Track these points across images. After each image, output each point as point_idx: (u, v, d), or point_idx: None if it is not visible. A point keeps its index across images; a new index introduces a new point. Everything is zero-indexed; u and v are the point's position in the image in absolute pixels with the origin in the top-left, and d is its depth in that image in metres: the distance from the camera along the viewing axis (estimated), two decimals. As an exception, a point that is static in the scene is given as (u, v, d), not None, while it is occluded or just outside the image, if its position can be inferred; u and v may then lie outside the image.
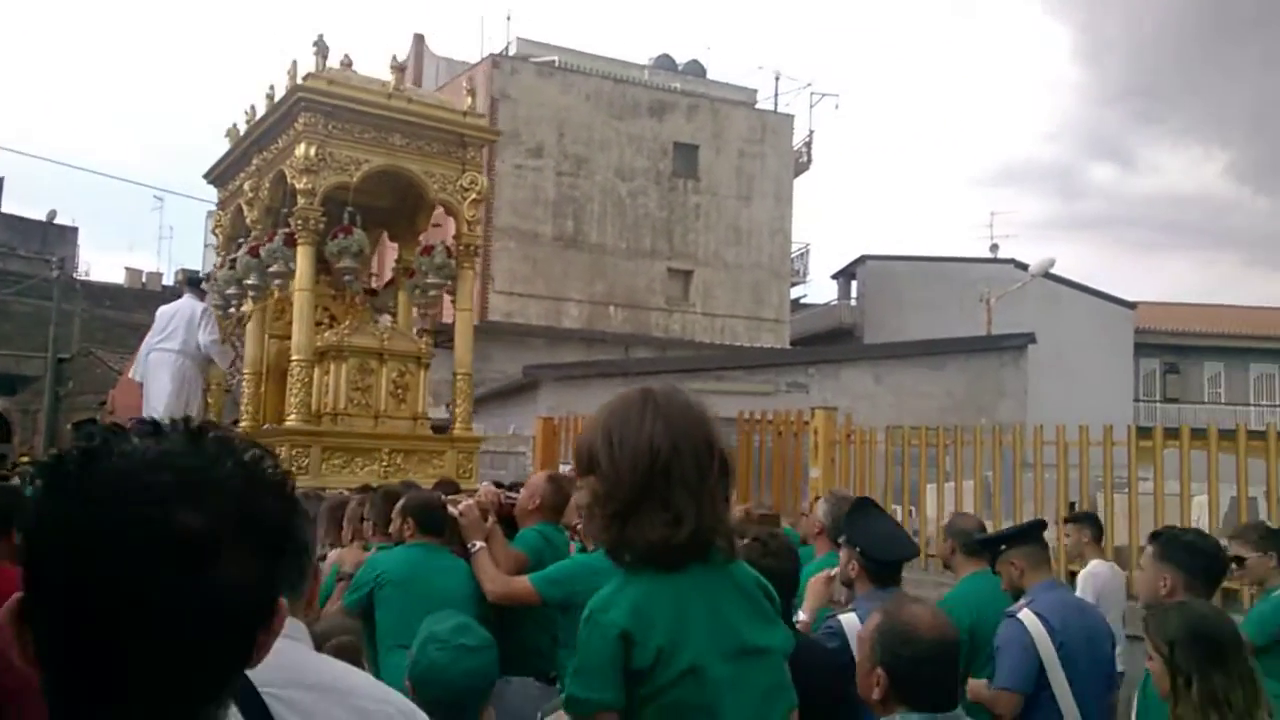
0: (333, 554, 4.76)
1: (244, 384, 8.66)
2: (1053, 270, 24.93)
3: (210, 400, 9.25)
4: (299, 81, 7.43)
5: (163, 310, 9.10)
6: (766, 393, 14.47)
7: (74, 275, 29.71)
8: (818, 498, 8.94)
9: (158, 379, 8.66)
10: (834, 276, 31.87)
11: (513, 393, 16.38)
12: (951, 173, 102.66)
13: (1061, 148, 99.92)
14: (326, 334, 7.93)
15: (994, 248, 31.72)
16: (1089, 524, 6.26)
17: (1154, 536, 3.70)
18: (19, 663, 0.86)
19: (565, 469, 11.41)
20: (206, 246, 27.24)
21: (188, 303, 8.94)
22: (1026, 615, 3.69)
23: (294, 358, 7.44)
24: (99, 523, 0.83)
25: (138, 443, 0.89)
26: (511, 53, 25.83)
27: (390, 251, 10.15)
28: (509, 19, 33.08)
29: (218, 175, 9.43)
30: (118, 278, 33.32)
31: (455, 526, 4.10)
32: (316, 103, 7.34)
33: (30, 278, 27.11)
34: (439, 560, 3.99)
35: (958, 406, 15.73)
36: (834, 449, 9.69)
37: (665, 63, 28.67)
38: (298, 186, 7.31)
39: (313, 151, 7.24)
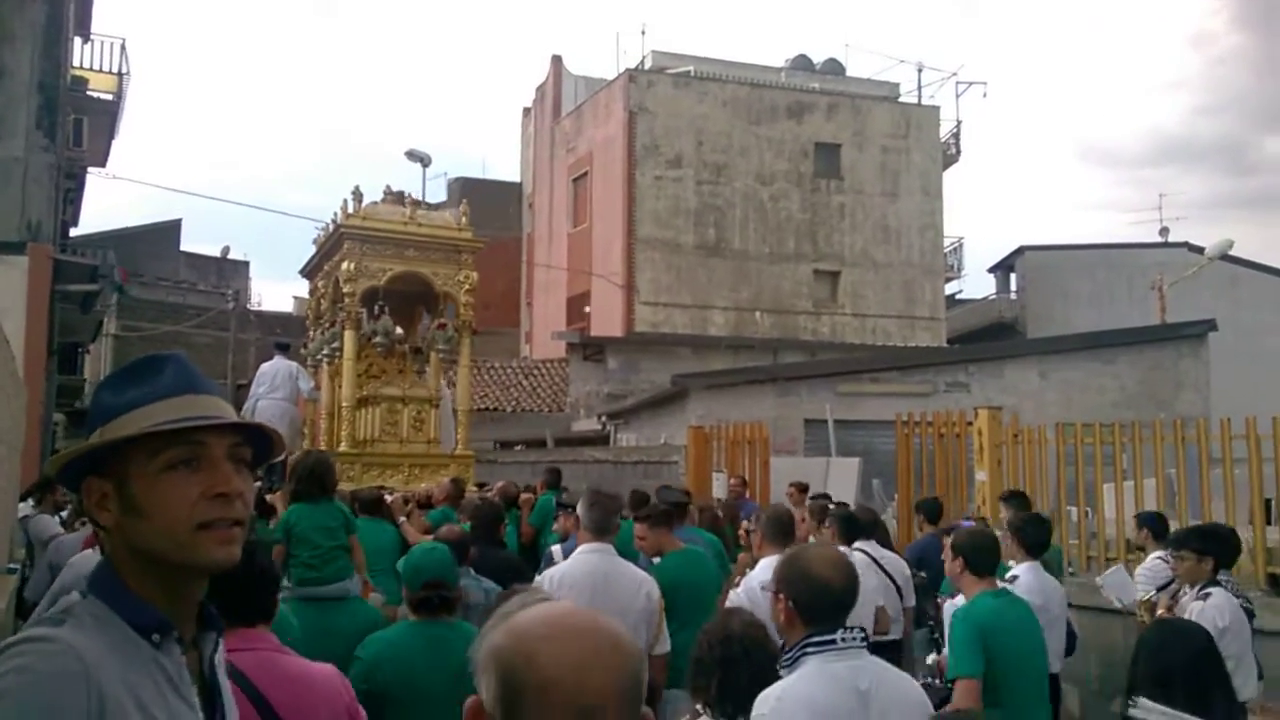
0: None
1: (322, 420, 11.74)
2: (1231, 252, 23.24)
3: (305, 431, 12.17)
4: (345, 217, 10.50)
5: (264, 369, 11.91)
6: (925, 394, 13.98)
7: (247, 306, 31.55)
8: (983, 502, 8.56)
9: (279, 425, 11.16)
10: (991, 270, 30.76)
11: (663, 402, 16.40)
12: (1108, 155, 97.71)
13: (1228, 121, 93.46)
14: (369, 385, 10.92)
15: (1164, 231, 29.97)
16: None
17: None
18: None
19: (718, 477, 11.31)
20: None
21: (282, 363, 11.73)
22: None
23: (343, 404, 10.55)
24: None
25: None
26: (648, 66, 26.02)
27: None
28: (644, 33, 33.33)
29: (308, 272, 12.62)
30: (286, 306, 35.21)
31: (388, 509, 6.86)
32: (354, 233, 10.36)
33: (208, 310, 28.94)
34: (379, 528, 6.32)
35: (1132, 401, 14.84)
36: (1000, 450, 9.25)
37: (802, 63, 28.30)
38: (344, 290, 10.43)
39: (352, 266, 10.31)
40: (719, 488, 10.72)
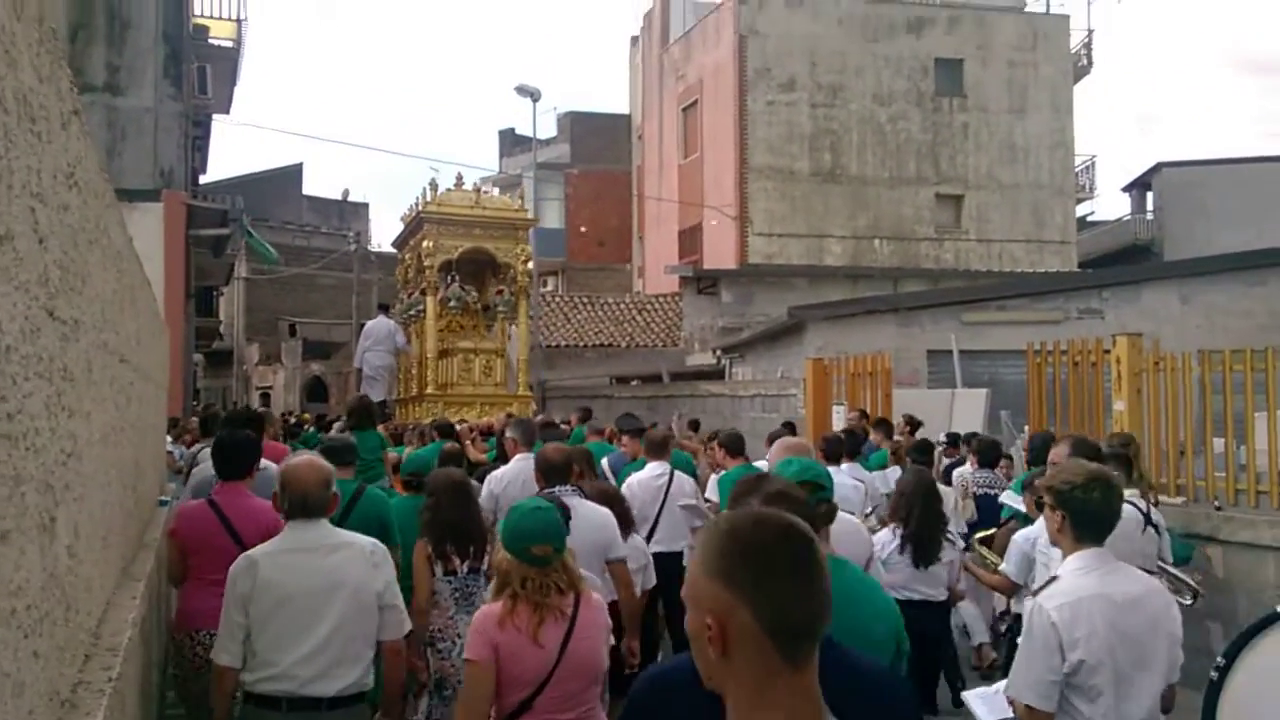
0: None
1: (414, 368, 14.10)
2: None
3: (400, 377, 14.71)
4: (424, 204, 12.94)
5: (369, 326, 14.63)
6: (1055, 321, 13.38)
7: (368, 247, 32.33)
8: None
9: (381, 375, 14.24)
10: (1125, 189, 29.21)
11: (779, 335, 16.16)
12: (1256, 62, 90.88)
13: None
14: (448, 339, 13.43)
15: (1318, 141, 27.83)
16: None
17: None
18: None
19: (838, 409, 11.10)
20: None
21: (384, 321, 14.39)
22: None
23: (428, 355, 13.06)
24: None
25: None
26: (758, -14, 25.21)
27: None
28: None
29: (399, 244, 15.17)
30: (406, 246, 35.91)
31: (458, 434, 8.79)
32: (431, 217, 12.82)
33: (331, 252, 29.78)
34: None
35: (1282, 325, 13.90)
36: (1140, 379, 8.78)
37: (922, -25, 26.99)
38: (425, 263, 12.86)
39: (430, 244, 12.76)
40: (839, 421, 10.53)
